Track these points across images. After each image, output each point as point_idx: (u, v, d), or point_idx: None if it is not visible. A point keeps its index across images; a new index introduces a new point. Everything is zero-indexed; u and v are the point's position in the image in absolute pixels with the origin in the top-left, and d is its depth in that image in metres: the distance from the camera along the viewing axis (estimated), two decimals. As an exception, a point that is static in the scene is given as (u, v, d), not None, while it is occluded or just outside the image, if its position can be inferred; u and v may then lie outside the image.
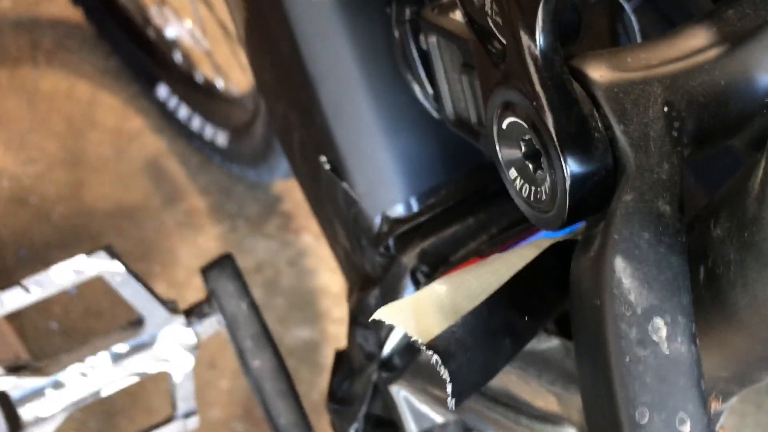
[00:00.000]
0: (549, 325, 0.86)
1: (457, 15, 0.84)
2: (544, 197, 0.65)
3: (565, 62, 0.63)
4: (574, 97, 0.61)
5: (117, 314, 2.00)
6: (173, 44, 2.25)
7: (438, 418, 0.96)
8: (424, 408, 0.96)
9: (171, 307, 1.06)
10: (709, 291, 0.63)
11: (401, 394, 0.96)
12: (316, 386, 1.91)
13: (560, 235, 0.83)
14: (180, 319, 1.06)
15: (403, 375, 0.96)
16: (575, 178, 0.61)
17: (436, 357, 0.67)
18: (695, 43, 0.64)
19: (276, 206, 2.18)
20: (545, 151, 0.62)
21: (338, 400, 1.05)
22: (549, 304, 0.74)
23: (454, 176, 0.99)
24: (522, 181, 0.67)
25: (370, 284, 1.01)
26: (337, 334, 2.02)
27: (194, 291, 2.03)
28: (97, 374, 1.03)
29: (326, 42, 0.94)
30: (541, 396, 0.86)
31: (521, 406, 0.89)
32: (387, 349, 0.98)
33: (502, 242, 0.95)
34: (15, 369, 1.00)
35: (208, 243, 2.12)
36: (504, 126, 0.66)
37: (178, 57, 2.25)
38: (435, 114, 0.94)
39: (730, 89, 0.62)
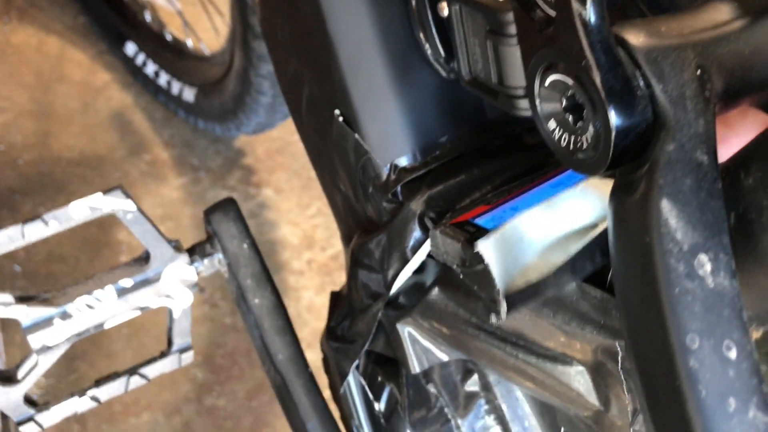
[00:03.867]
0: (565, 267, 0.86)
1: None
2: (585, 146, 0.67)
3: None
4: (619, 59, 0.64)
5: (79, 259, 1.98)
6: (145, 4, 2.21)
7: (442, 356, 0.96)
8: (429, 345, 0.96)
9: (175, 245, 1.04)
10: (740, 235, 0.65)
11: (406, 330, 0.96)
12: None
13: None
14: (184, 257, 1.04)
15: (411, 313, 0.96)
16: (619, 129, 0.64)
17: None
18: (721, 16, 0.67)
19: (238, 160, 2.17)
20: (591, 105, 0.65)
21: (338, 338, 1.05)
22: None
23: (460, 131, 0.99)
24: (561, 132, 0.70)
25: (374, 229, 1.00)
26: (296, 285, 2.01)
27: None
28: (102, 307, 1.02)
29: (347, 5, 0.94)
30: (554, 336, 0.87)
31: (531, 346, 0.89)
32: (394, 289, 0.98)
33: (508, 192, 0.94)
34: (26, 299, 0.99)
35: (170, 193, 2.10)
36: (546, 83, 0.69)
37: (147, 16, 2.21)
38: (444, 74, 0.95)
39: (755, 57, 0.66)
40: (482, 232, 0.90)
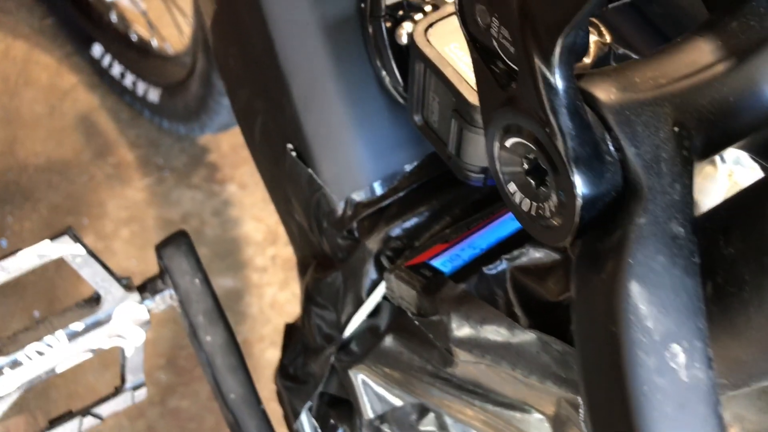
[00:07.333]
0: (524, 319, 0.77)
1: (452, 51, 0.77)
2: (547, 213, 0.57)
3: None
4: (587, 123, 0.53)
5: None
6: (110, 5, 2.12)
7: (396, 401, 0.88)
8: (382, 391, 0.87)
9: (126, 284, 0.95)
10: (718, 306, 0.55)
11: (359, 377, 0.87)
12: (239, 334, 1.81)
13: None
14: (135, 296, 0.95)
15: (364, 360, 0.87)
16: (587, 200, 0.53)
17: None
18: (702, 58, 0.55)
19: (202, 157, 2.08)
20: (554, 172, 0.54)
21: (291, 377, 0.96)
22: None
23: (417, 160, 0.91)
24: (522, 196, 0.59)
25: (330, 266, 0.91)
26: (259, 282, 1.93)
27: (121, 242, 1.93)
28: (53, 352, 0.93)
29: (301, 37, 0.85)
30: (513, 387, 0.78)
31: (488, 394, 0.80)
32: (347, 332, 0.89)
33: (466, 227, 0.86)
34: (-26, 349, 0.90)
35: (135, 195, 2.01)
36: (506, 144, 0.58)
37: (113, 17, 2.12)
38: (401, 101, 0.87)
39: (738, 104, 0.55)
40: (439, 276, 0.81)
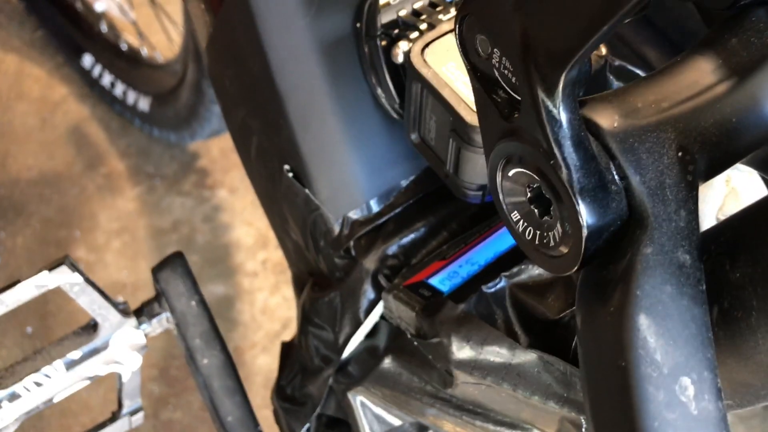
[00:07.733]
0: (524, 337, 0.75)
1: (450, 70, 0.76)
2: (552, 243, 0.55)
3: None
4: (591, 153, 0.51)
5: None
6: (101, 16, 2.10)
7: (395, 421, 0.86)
8: (381, 412, 0.86)
9: (123, 309, 0.93)
10: (724, 331, 0.54)
11: (358, 399, 0.85)
12: (230, 341, 1.79)
13: None
14: (132, 321, 0.93)
15: (363, 383, 0.85)
16: (592, 230, 0.52)
17: None
18: (703, 78, 0.54)
19: (192, 163, 2.05)
20: (558, 202, 0.53)
21: (288, 398, 0.94)
22: None
23: (413, 174, 0.89)
24: (526, 225, 0.57)
25: (327, 285, 0.89)
26: (250, 287, 1.91)
27: (112, 254, 1.90)
28: (51, 383, 0.91)
29: (297, 59, 0.82)
30: (514, 407, 0.76)
31: (489, 413, 0.78)
32: (345, 354, 0.87)
33: (464, 242, 0.84)
34: (-29, 383, 0.88)
35: (126, 205, 1.98)
36: (510, 174, 0.56)
37: (104, 27, 2.09)
38: (397, 116, 0.85)
39: (741, 124, 0.53)
40: (437, 296, 0.79)
